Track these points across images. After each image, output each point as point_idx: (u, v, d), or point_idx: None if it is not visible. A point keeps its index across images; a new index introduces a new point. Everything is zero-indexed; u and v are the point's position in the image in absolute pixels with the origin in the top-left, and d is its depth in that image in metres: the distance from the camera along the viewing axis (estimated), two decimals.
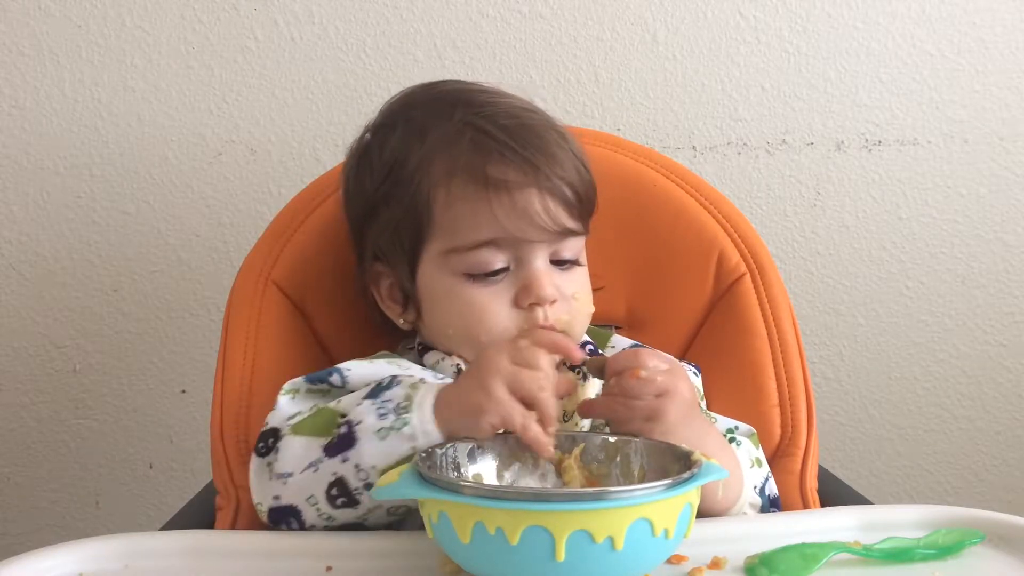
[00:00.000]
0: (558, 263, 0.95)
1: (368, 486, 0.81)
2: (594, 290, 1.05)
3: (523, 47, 1.45)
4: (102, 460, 1.53)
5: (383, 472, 0.79)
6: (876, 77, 1.48)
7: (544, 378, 0.79)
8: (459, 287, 0.93)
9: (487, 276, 0.92)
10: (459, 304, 0.93)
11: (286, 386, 0.92)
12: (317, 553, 0.79)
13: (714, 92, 1.48)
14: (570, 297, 0.94)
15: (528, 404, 0.78)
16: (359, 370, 0.92)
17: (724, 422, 0.99)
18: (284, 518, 0.85)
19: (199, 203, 1.47)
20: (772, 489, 0.97)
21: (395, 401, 0.82)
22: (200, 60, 1.44)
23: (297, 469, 0.83)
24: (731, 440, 0.95)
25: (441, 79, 1.06)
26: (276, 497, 0.84)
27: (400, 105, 1.00)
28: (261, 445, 0.88)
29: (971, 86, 1.49)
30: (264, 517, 0.86)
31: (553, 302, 0.92)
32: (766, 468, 0.97)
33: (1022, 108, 1.50)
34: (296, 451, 0.84)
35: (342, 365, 0.93)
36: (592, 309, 0.98)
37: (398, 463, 0.79)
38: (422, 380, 0.86)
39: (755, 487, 0.93)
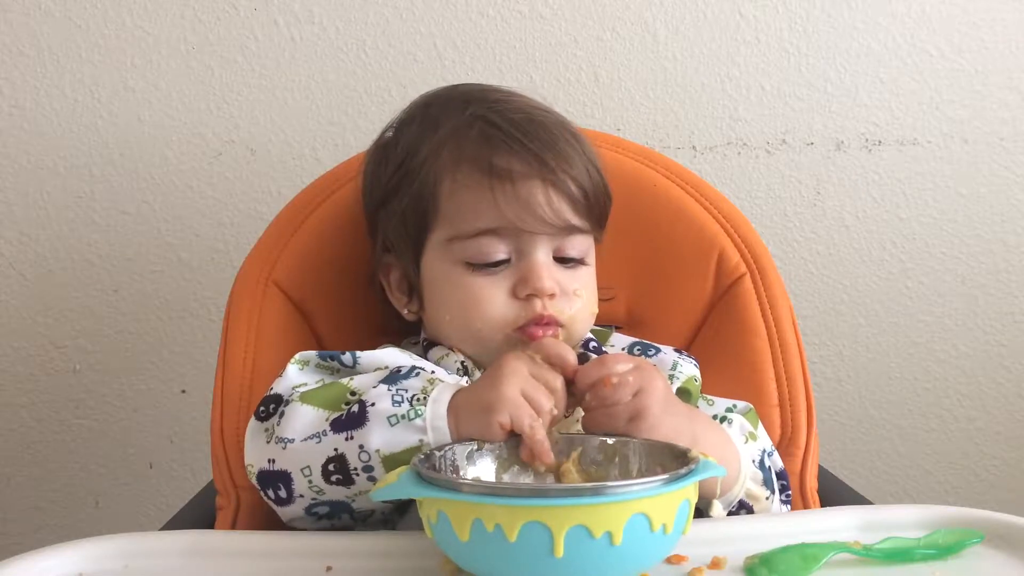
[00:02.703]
0: (563, 261, 0.95)
1: (367, 468, 0.81)
2: (605, 300, 1.05)
3: (523, 47, 1.46)
4: (102, 460, 1.53)
5: (385, 458, 0.80)
6: (876, 77, 1.49)
7: (555, 397, 0.80)
8: (459, 275, 0.94)
9: (487, 266, 0.93)
10: (458, 291, 0.94)
11: (297, 356, 0.93)
12: (317, 553, 0.79)
13: (714, 92, 1.48)
14: (572, 294, 0.94)
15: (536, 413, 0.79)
16: (370, 355, 0.93)
17: (722, 402, 1.00)
18: (273, 483, 0.85)
19: (199, 203, 1.47)
20: (777, 463, 0.97)
21: (411, 391, 0.82)
22: (200, 60, 1.44)
23: (299, 437, 0.83)
24: (723, 420, 0.96)
25: (461, 83, 1.07)
26: (271, 461, 0.84)
27: (422, 103, 1.02)
28: (262, 409, 0.88)
29: (971, 86, 1.49)
30: (253, 479, 0.87)
31: (552, 296, 0.93)
32: (764, 441, 0.97)
33: (1022, 108, 1.50)
34: (302, 419, 0.84)
35: (356, 351, 0.93)
36: (595, 310, 0.98)
37: (403, 453, 0.79)
38: (438, 378, 0.86)
39: (753, 460, 0.93)
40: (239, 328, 1.05)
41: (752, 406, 1.01)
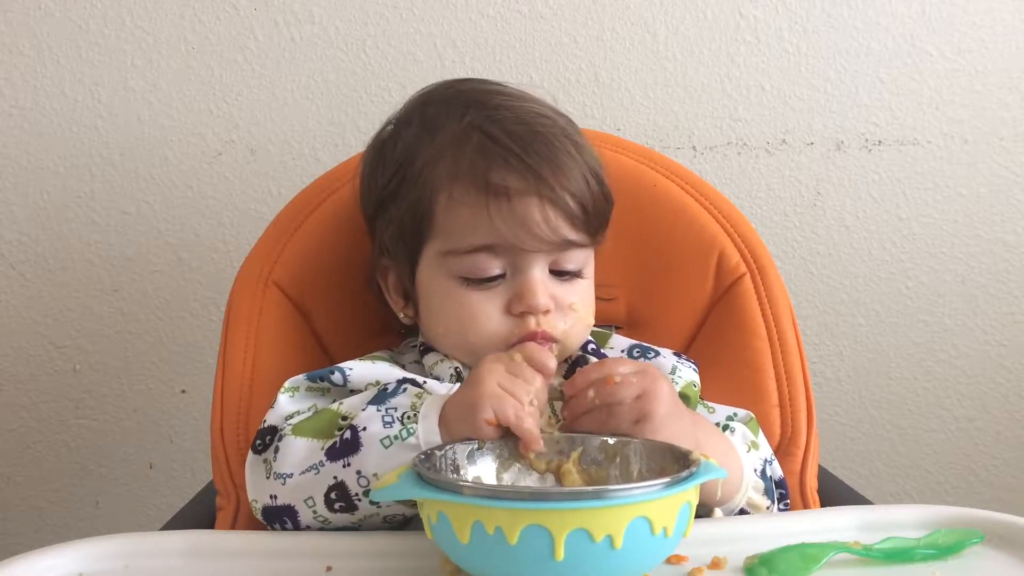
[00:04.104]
0: (559, 273, 0.94)
1: (367, 493, 0.81)
2: (606, 300, 1.05)
3: (523, 47, 1.45)
4: (102, 460, 1.53)
5: None
6: (876, 77, 1.48)
7: (535, 392, 0.80)
8: (454, 289, 0.93)
9: (482, 282, 0.92)
10: (453, 306, 0.93)
11: (286, 384, 0.92)
12: (317, 553, 0.79)
13: (714, 92, 1.48)
14: (568, 308, 0.93)
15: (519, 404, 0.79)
16: (360, 370, 0.92)
17: (723, 410, 1.00)
18: (279, 517, 0.85)
19: (199, 203, 1.47)
20: (777, 472, 0.97)
21: (401, 410, 0.82)
22: (200, 60, 1.44)
23: (297, 470, 0.83)
24: (725, 428, 0.95)
25: (465, 77, 1.06)
26: (273, 496, 0.85)
27: (420, 101, 1.00)
28: (258, 442, 0.88)
29: (971, 86, 1.49)
30: (258, 515, 0.87)
31: (547, 312, 0.92)
32: (765, 450, 0.97)
33: (1022, 108, 1.50)
34: (297, 452, 0.84)
35: (343, 364, 0.93)
36: (591, 322, 0.97)
37: None
38: (426, 391, 0.85)
39: (755, 470, 0.92)
40: (239, 328, 1.05)
41: (753, 415, 1.00)
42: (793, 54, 1.47)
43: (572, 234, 0.92)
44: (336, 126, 1.46)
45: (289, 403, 0.90)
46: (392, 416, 0.82)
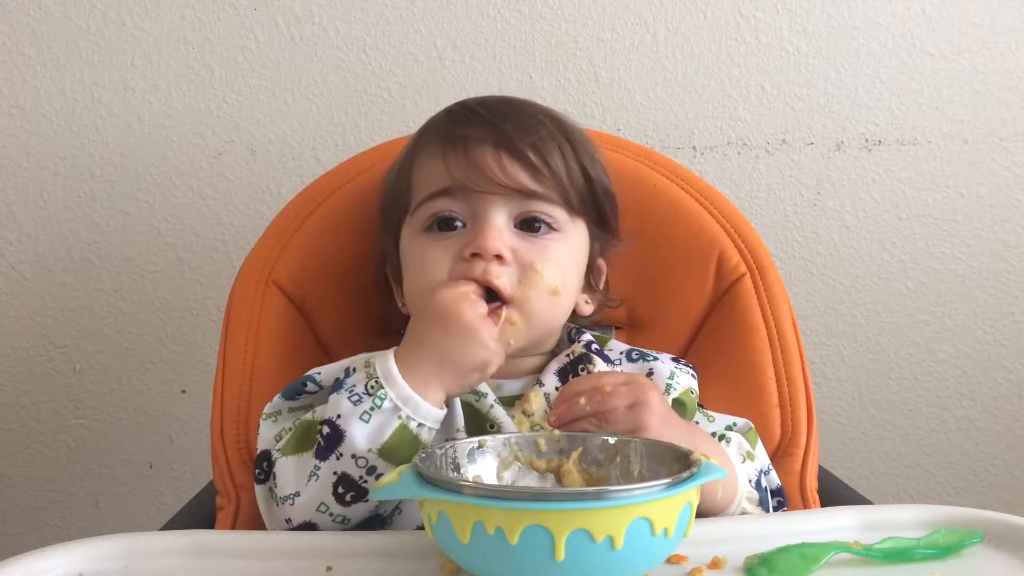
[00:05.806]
0: (527, 230, 0.93)
1: (371, 471, 0.82)
2: (612, 308, 1.05)
3: (523, 47, 1.45)
4: (102, 460, 1.53)
5: (380, 451, 0.81)
6: (876, 77, 1.48)
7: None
8: (419, 242, 0.94)
9: (441, 231, 0.93)
10: (415, 259, 0.94)
11: (267, 408, 0.93)
12: (317, 553, 0.79)
13: (714, 92, 1.48)
14: (527, 266, 0.91)
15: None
16: (329, 370, 0.92)
17: (722, 419, 0.99)
18: None
19: (199, 203, 1.47)
20: (773, 481, 0.97)
21: (360, 384, 0.83)
22: (200, 60, 1.44)
23: (301, 486, 0.84)
24: (721, 438, 0.95)
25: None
26: (288, 521, 0.85)
27: None
28: (258, 471, 0.89)
29: (971, 86, 1.49)
30: None
31: (500, 259, 0.90)
32: (761, 460, 0.97)
33: (1022, 108, 1.50)
34: (291, 471, 0.85)
35: (311, 371, 0.92)
36: (555, 285, 0.92)
37: (392, 439, 0.81)
38: (368, 358, 0.86)
39: (749, 480, 0.92)
40: (239, 328, 1.06)
41: (752, 424, 1.00)
42: (793, 54, 1.47)
43: (533, 184, 0.92)
44: (336, 126, 1.46)
45: (271, 428, 0.91)
46: (356, 394, 0.83)
